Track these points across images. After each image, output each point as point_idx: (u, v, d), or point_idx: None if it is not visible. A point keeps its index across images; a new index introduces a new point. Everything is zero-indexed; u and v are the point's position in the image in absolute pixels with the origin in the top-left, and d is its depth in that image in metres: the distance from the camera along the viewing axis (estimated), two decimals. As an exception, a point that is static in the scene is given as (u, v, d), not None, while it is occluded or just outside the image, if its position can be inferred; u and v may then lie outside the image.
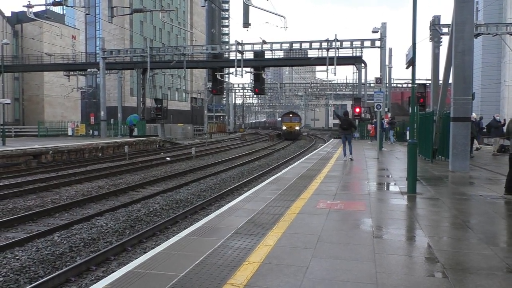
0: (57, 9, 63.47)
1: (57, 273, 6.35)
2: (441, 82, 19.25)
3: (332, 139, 38.95)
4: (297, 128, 50.21)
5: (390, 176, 12.54)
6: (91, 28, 71.51)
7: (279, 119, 70.95)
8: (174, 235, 7.65)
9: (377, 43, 33.90)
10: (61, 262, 7.08)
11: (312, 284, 4.12)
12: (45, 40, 53.20)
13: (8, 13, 59.57)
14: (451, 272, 4.47)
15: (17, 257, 7.14)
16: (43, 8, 38.76)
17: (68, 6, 25.77)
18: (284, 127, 50.49)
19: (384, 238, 5.80)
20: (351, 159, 16.34)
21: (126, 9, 25.30)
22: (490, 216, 7.28)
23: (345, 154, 16.63)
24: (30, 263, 6.90)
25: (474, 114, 17.95)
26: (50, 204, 11.69)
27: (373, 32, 33.00)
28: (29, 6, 25.25)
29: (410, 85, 57.91)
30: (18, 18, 58.12)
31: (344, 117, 17.13)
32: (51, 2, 24.95)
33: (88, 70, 47.16)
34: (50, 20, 40.51)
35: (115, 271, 4.70)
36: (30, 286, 5.89)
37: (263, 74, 38.60)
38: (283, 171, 13.66)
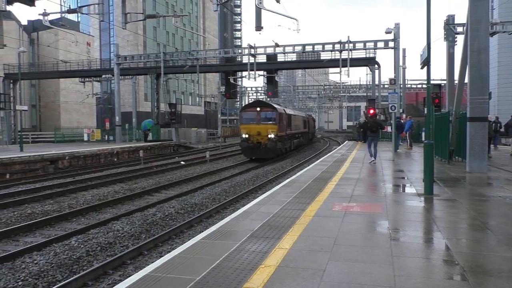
0: (72, 17, 64.39)
1: (74, 277, 6.40)
2: (456, 82, 18.99)
3: (347, 141, 38.72)
4: (271, 136, 25.20)
5: (406, 177, 12.40)
6: (105, 35, 72.40)
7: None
8: (189, 239, 7.67)
9: (391, 44, 33.60)
10: (78, 266, 7.15)
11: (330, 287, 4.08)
12: (60, 47, 54.00)
13: (24, 22, 60.69)
14: (471, 275, 4.39)
15: (36, 262, 7.23)
16: (58, 16, 39.38)
17: (82, 14, 26.12)
18: (244, 134, 25.89)
19: (401, 240, 5.72)
20: (374, 162, 15.95)
21: (140, 15, 25.54)
22: (509, 217, 7.14)
23: (373, 156, 16.16)
24: (48, 267, 6.98)
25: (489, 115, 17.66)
26: (67, 209, 11.82)
27: (387, 32, 32.73)
28: (45, 14, 25.65)
29: (424, 86, 57.04)
30: (34, 27, 59.12)
31: (372, 119, 16.77)
32: (66, 10, 25.31)
33: (103, 76, 47.70)
34: (65, 28, 41.11)
35: (132, 275, 4.72)
36: (48, 290, 5.95)
37: (276, 77, 38.56)
38: (298, 173, 13.60)
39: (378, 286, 4.11)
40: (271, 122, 25.55)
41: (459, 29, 25.33)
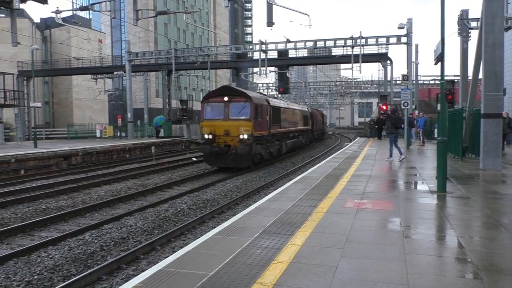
0: (84, 14, 64.83)
1: (89, 271, 6.49)
2: (470, 78, 18.78)
3: (358, 137, 38.55)
4: (244, 136, 18.37)
5: (418, 174, 12.32)
6: (116, 32, 72.84)
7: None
8: (202, 235, 7.73)
9: (403, 39, 33.30)
10: (92, 261, 7.24)
11: (342, 284, 4.09)
12: (73, 44, 54.54)
13: (37, 20, 61.31)
14: (485, 274, 4.36)
15: (51, 256, 7.34)
16: (70, 13, 39.68)
17: (94, 11, 26.30)
18: (206, 134, 19.00)
19: (414, 238, 5.71)
20: (390, 160, 15.56)
21: (151, 11, 25.64)
22: (524, 215, 7.07)
23: (391, 155, 15.80)
24: (63, 261, 7.08)
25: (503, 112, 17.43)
26: (81, 204, 11.96)
27: (399, 28, 32.44)
28: (57, 11, 25.90)
29: (437, 82, 56.42)
30: (46, 24, 59.75)
31: (395, 115, 16.47)
32: (78, 7, 25.55)
33: (115, 73, 48.08)
34: (77, 25, 41.42)
35: (145, 270, 4.78)
36: (63, 284, 6.04)
37: (287, 73, 38.47)
38: (309, 170, 13.59)
39: (391, 283, 4.11)
40: (244, 117, 18.14)
41: (473, 24, 25.03)
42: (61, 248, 7.81)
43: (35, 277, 6.43)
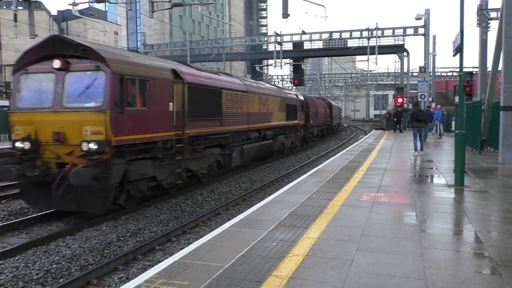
0: (100, 6, 65.25)
1: (106, 261, 6.58)
2: (489, 69, 18.43)
3: (374, 130, 38.23)
4: (91, 146, 8.20)
5: (435, 168, 12.17)
6: (132, 24, 73.18)
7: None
8: (217, 227, 7.76)
9: (421, 31, 32.81)
10: (109, 251, 7.33)
11: (358, 278, 4.07)
12: (89, 36, 54.91)
13: (54, 12, 61.94)
14: (504, 269, 4.30)
15: (68, 246, 7.45)
16: (87, 5, 40.00)
17: (110, 3, 26.40)
18: (18, 138, 8.89)
19: (431, 232, 5.65)
20: (416, 155, 15.16)
21: (166, 3, 25.69)
22: (545, 210, 6.93)
23: (416, 149, 15.47)
24: (80, 251, 7.19)
25: None
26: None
27: (417, 19, 31.95)
28: (74, 4, 26.06)
29: (455, 74, 55.48)
30: (63, 16, 60.32)
31: (417, 108, 16.16)
32: (94, 0, 25.68)
33: (131, 64, 48.28)
34: (93, 17, 41.72)
35: (161, 261, 4.82)
36: (81, 273, 6.14)
37: (302, 65, 38.29)
38: (324, 163, 13.53)
39: (407, 278, 4.07)
40: (90, 104, 8.57)
41: (493, 14, 24.46)
42: (79, 238, 7.92)
43: (53, 266, 6.53)
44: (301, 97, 25.49)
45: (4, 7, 51.98)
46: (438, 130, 25.50)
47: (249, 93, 15.97)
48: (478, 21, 24.64)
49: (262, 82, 23.18)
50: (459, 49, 10.53)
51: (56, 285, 5.80)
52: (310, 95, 42.37)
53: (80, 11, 32.37)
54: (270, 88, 20.08)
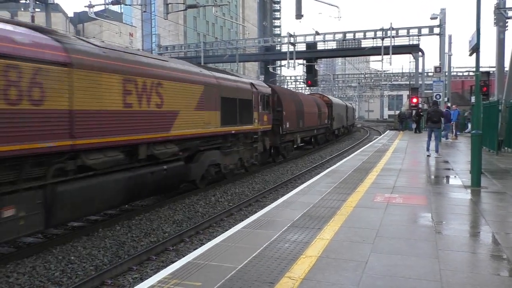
0: (116, 8, 65.97)
1: (120, 262, 6.62)
2: (507, 69, 18.14)
3: (388, 130, 37.90)
4: None
5: (451, 168, 12.00)
6: (147, 25, 73.74)
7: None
8: (230, 227, 7.77)
9: (436, 30, 32.42)
10: (123, 252, 7.38)
11: (373, 280, 4.02)
12: (104, 38, 55.52)
13: (70, 14, 62.80)
14: (523, 271, 4.21)
15: (84, 246, 7.52)
16: (102, 7, 40.46)
17: (126, 5, 26.67)
18: None
19: (447, 233, 5.56)
20: (436, 157, 14.77)
21: (181, 5, 25.84)
22: None
23: (427, 149, 15.25)
24: (95, 252, 7.25)
25: None
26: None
27: (432, 18, 31.61)
28: (90, 6, 26.41)
29: (471, 73, 54.76)
30: (80, 18, 61.18)
31: (434, 107, 15.92)
32: (110, 1, 25.95)
33: (145, 66, 48.68)
34: (109, 19, 42.17)
35: (175, 262, 4.83)
36: (96, 273, 6.19)
37: (315, 66, 38.16)
38: (338, 164, 13.45)
39: (423, 280, 4.01)
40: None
41: (511, 13, 24.08)
42: (94, 238, 7.99)
43: (69, 266, 6.60)
44: (266, 89, 16.99)
45: (22, 9, 52.87)
46: (453, 130, 25.19)
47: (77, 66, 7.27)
48: (495, 20, 24.27)
49: (149, 55, 11.02)
50: (475, 49, 10.37)
51: (72, 285, 5.85)
52: (323, 94, 38.06)
53: (96, 13, 32.73)
54: (167, 66, 10.13)
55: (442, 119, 17.07)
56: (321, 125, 27.40)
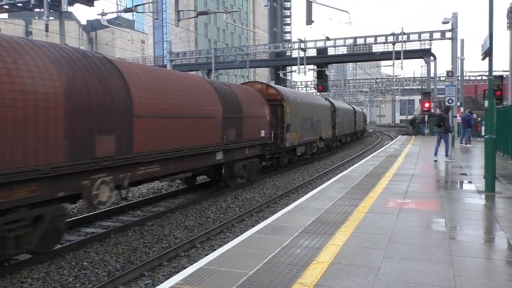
0: (128, 15, 66.73)
1: (132, 268, 6.65)
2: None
3: (400, 135, 37.64)
4: None
5: (465, 173, 11.87)
6: (158, 32, 74.45)
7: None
8: (241, 233, 7.76)
9: (448, 35, 32.18)
10: (135, 257, 7.41)
11: (385, 286, 3.98)
12: (117, 45, 56.20)
13: (83, 22, 63.67)
14: (539, 278, 4.13)
15: (96, 252, 7.57)
16: (115, 15, 40.95)
17: (138, 12, 26.99)
18: None
19: (461, 239, 5.49)
20: (448, 161, 14.62)
21: (192, 12, 26.03)
22: None
23: (435, 154, 14.98)
24: (108, 257, 7.29)
25: None
26: (123, 202, 12.26)
27: (443, 23, 31.37)
28: (103, 14, 26.76)
29: (484, 77, 54.17)
30: (92, 26, 61.96)
31: (442, 113, 15.69)
32: (122, 9, 26.28)
33: (157, 73, 49.05)
34: (121, 27, 42.62)
35: (186, 267, 4.84)
36: (108, 279, 6.22)
37: (326, 71, 38.08)
38: (349, 169, 13.38)
39: (437, 286, 3.97)
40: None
41: (524, 16, 23.81)
42: (106, 244, 8.04)
43: (82, 271, 6.65)
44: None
45: (36, 18, 53.67)
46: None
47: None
48: (508, 24, 24.05)
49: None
50: (488, 53, 10.28)
51: (84, 290, 5.89)
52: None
53: (109, 21, 33.13)
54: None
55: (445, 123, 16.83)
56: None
